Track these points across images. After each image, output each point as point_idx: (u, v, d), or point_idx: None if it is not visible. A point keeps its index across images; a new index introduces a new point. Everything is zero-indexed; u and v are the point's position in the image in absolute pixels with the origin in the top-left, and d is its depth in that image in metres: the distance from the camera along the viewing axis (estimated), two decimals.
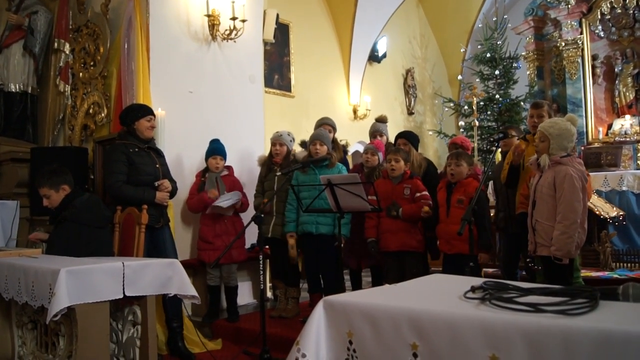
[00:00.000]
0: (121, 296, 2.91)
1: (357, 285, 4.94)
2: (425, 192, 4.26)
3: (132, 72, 4.91)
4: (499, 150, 4.33)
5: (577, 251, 3.50)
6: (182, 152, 5.15)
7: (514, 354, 1.29)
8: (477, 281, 1.83)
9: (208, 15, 5.36)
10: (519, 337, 1.29)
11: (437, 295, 1.65)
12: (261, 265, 4.08)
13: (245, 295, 5.40)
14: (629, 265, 5.76)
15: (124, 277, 2.93)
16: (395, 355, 1.48)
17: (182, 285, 3.19)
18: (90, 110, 5.46)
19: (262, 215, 4.01)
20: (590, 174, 5.75)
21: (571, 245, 3.35)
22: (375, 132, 5.38)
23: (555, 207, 3.42)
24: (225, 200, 4.73)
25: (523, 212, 3.94)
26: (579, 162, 3.56)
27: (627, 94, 9.46)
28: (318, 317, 1.63)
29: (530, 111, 4.40)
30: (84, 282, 2.79)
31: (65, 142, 5.78)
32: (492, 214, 4.79)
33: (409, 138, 5.05)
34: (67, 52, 5.79)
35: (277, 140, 4.97)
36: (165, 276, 3.13)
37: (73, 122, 5.69)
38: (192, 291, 3.23)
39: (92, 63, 5.59)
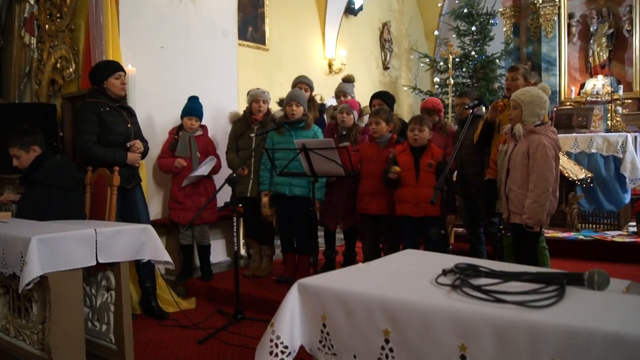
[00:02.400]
0: (94, 263, 2.90)
1: (330, 245, 5.00)
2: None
3: (101, 26, 4.74)
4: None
5: (548, 219, 3.58)
6: (153, 109, 5.05)
7: (483, 345, 1.33)
8: (448, 260, 1.87)
9: None
10: (487, 328, 1.33)
11: (410, 279, 1.68)
12: (234, 228, 4.10)
13: (218, 254, 5.44)
14: (594, 226, 5.94)
15: (96, 244, 2.90)
16: (368, 340, 1.52)
17: (156, 250, 3.18)
18: (58, 65, 5.28)
19: (235, 176, 4.00)
20: (561, 135, 5.85)
21: (542, 213, 3.43)
22: (339, 93, 5.32)
23: (528, 176, 3.48)
24: (201, 169, 4.70)
25: (491, 178, 3.99)
26: (552, 131, 3.60)
27: (601, 54, 9.54)
28: (292, 300, 1.65)
29: (507, 74, 4.42)
30: (56, 250, 2.76)
31: (32, 97, 5.61)
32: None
33: (385, 98, 5.03)
34: (32, 2, 5.53)
35: (260, 97, 4.90)
36: (138, 242, 3.12)
37: (40, 76, 5.50)
38: (166, 257, 3.23)
39: (58, 15, 5.36)
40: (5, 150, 3.78)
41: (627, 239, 5.42)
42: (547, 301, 1.40)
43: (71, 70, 5.14)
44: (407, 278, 1.70)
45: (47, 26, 5.49)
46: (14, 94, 5.71)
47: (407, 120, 5.18)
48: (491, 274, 1.65)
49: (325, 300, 1.59)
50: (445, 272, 1.67)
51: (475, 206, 4.49)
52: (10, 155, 3.71)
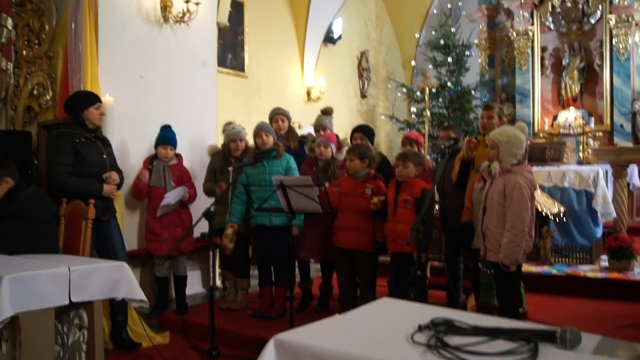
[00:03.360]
0: (67, 303, 2.86)
1: (306, 278, 4.99)
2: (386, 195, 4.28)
3: (80, 54, 4.73)
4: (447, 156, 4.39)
5: (524, 257, 3.63)
6: (129, 138, 5.02)
7: None
8: (425, 312, 1.89)
9: None
10: None
11: (386, 336, 1.69)
12: (211, 260, 4.08)
13: (194, 285, 5.37)
14: (567, 260, 6.02)
15: (70, 282, 2.87)
16: None
17: (130, 288, 3.15)
18: (35, 92, 5.22)
19: (212, 210, 3.99)
20: (535, 169, 5.96)
21: (518, 253, 3.49)
22: (318, 127, 5.36)
23: (504, 215, 3.54)
24: (171, 197, 4.66)
25: (467, 221, 4.05)
26: (529, 171, 3.68)
27: (573, 86, 9.79)
28: (269, 356, 1.65)
29: (482, 112, 4.50)
30: (28, 289, 2.72)
31: (7, 123, 5.53)
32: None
33: (365, 132, 5.08)
34: (10, 27, 5.47)
35: (237, 137, 4.94)
36: (112, 280, 3.09)
37: (16, 102, 5.43)
38: (140, 295, 3.19)
39: (36, 41, 5.33)
40: None
41: (599, 274, 5.50)
42: None
43: (48, 97, 5.10)
44: (383, 334, 1.71)
45: (24, 52, 5.44)
46: None
47: (386, 152, 5.26)
48: (467, 330, 1.66)
49: (301, 358, 1.59)
50: (421, 328, 1.68)
51: (456, 240, 4.53)
52: None
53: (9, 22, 5.44)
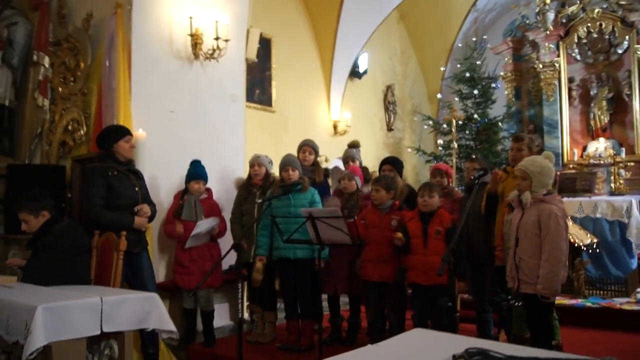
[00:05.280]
0: (99, 332, 2.88)
1: (335, 311, 4.95)
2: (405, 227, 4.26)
3: (113, 90, 4.87)
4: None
5: (560, 287, 3.57)
6: (160, 172, 5.10)
7: None
8: (457, 342, 1.86)
9: (191, 35, 5.33)
10: None
11: None
12: (239, 293, 4.06)
13: (221, 318, 5.35)
14: (601, 292, 5.87)
15: (101, 312, 2.90)
16: None
17: (161, 319, 3.17)
18: (69, 127, 5.39)
19: (240, 245, 3.99)
20: (566, 200, 5.87)
21: (557, 283, 3.42)
22: (347, 159, 5.42)
23: (539, 245, 3.47)
24: (203, 227, 4.69)
25: (501, 265, 4.00)
26: (560, 200, 3.64)
27: (602, 117, 9.67)
28: None
29: (511, 144, 4.48)
30: (61, 318, 2.76)
31: (42, 157, 5.69)
32: None
33: (394, 164, 5.09)
34: (47, 65, 5.70)
35: (256, 162, 5.02)
36: (143, 311, 3.11)
37: (51, 137, 5.61)
38: (171, 326, 3.21)
39: (72, 79, 5.52)
40: (13, 212, 3.82)
41: (635, 307, 5.35)
42: None
43: (82, 132, 5.25)
44: None
45: (60, 89, 5.64)
46: (25, 154, 5.80)
47: (413, 184, 5.25)
48: (501, 358, 1.63)
49: None
50: (455, 358, 1.65)
51: (481, 274, 4.47)
52: (19, 219, 3.74)
53: (46, 61, 5.68)
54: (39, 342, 2.63)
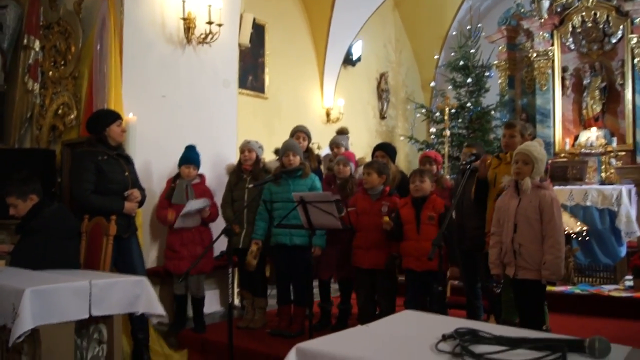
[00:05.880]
0: (87, 316, 2.87)
1: (325, 296, 4.95)
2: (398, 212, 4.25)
3: (104, 74, 4.83)
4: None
5: None
6: (152, 157, 5.08)
7: None
8: (448, 323, 1.86)
9: (184, 19, 5.28)
10: None
11: (409, 345, 1.66)
12: (230, 279, 4.05)
13: (212, 304, 5.36)
14: (590, 279, 5.91)
15: (90, 296, 2.88)
16: None
17: (150, 303, 3.16)
18: (60, 111, 5.34)
19: (231, 229, 3.98)
20: (557, 188, 5.88)
21: (561, 267, 3.47)
22: (332, 145, 5.39)
23: (540, 231, 3.48)
24: (193, 205, 4.66)
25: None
26: (552, 188, 3.65)
27: (594, 106, 9.67)
28: None
29: (503, 131, 4.47)
30: (49, 302, 2.74)
31: (32, 142, 5.64)
32: None
33: (387, 150, 5.06)
34: (37, 49, 5.62)
35: (246, 147, 4.98)
36: (132, 294, 3.09)
37: (41, 121, 5.55)
38: (160, 310, 3.20)
39: (62, 62, 5.46)
40: (1, 196, 3.77)
41: (623, 294, 5.39)
42: None
43: (72, 116, 5.20)
44: (406, 343, 1.68)
45: (50, 73, 5.58)
46: (14, 138, 5.73)
47: (405, 172, 5.24)
48: (491, 340, 1.63)
49: None
50: (445, 338, 1.65)
51: (473, 260, 4.47)
52: (7, 203, 3.70)
53: (37, 44, 5.61)
54: (27, 325, 2.61)
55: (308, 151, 5.32)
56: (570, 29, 9.76)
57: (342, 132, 5.52)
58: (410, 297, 4.16)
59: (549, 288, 5.46)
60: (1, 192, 3.76)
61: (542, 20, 9.74)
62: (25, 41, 5.68)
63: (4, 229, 5.03)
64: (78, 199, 4.11)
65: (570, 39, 9.87)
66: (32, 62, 5.66)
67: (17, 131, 5.72)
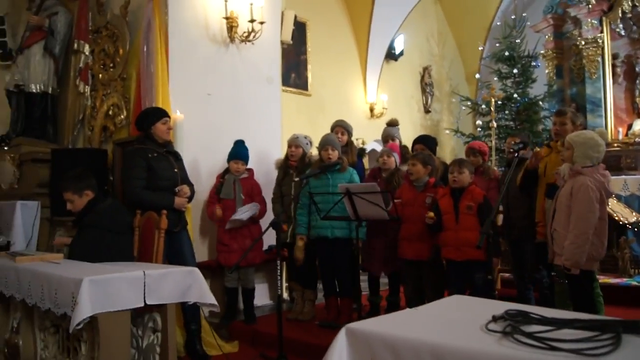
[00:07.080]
0: (142, 305, 2.96)
1: (374, 290, 4.96)
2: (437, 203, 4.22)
3: (151, 75, 4.94)
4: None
5: (594, 263, 3.49)
6: (200, 154, 5.19)
7: None
8: (497, 306, 1.84)
9: (226, 18, 5.37)
10: None
11: (459, 325, 1.66)
12: (278, 271, 4.10)
13: (262, 297, 5.43)
14: None
15: (145, 285, 2.97)
16: None
17: (202, 293, 3.22)
18: (110, 112, 5.51)
19: (280, 223, 4.03)
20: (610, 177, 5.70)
21: (579, 255, 3.33)
22: (387, 137, 5.39)
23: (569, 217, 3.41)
24: (240, 214, 4.77)
25: (542, 241, 3.93)
26: (602, 174, 3.51)
27: None
28: (340, 345, 1.65)
29: (554, 119, 4.39)
30: (106, 291, 2.83)
31: (84, 142, 5.84)
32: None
33: (426, 142, 5.04)
34: (87, 53, 5.83)
35: (293, 143, 5.04)
36: (185, 284, 3.17)
37: (93, 122, 5.75)
38: (212, 299, 3.26)
39: (111, 65, 5.64)
40: (59, 195, 3.93)
41: None
42: (603, 349, 1.36)
43: (122, 117, 5.36)
44: (455, 324, 1.68)
45: (100, 75, 5.77)
46: (68, 139, 5.96)
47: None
48: (543, 320, 1.61)
49: (373, 346, 1.58)
50: (495, 319, 1.64)
51: (521, 250, 4.40)
52: (64, 199, 3.85)
53: (87, 48, 5.81)
54: (85, 313, 2.71)
55: (348, 145, 5.32)
56: (620, 15, 9.44)
57: (393, 123, 5.51)
58: (453, 288, 4.12)
59: (604, 280, 5.35)
60: (58, 190, 3.91)
61: (590, 6, 9.45)
62: (75, 46, 5.89)
63: (62, 226, 5.23)
64: (129, 195, 4.23)
65: (621, 25, 9.54)
66: (82, 66, 5.86)
67: (71, 132, 5.94)
